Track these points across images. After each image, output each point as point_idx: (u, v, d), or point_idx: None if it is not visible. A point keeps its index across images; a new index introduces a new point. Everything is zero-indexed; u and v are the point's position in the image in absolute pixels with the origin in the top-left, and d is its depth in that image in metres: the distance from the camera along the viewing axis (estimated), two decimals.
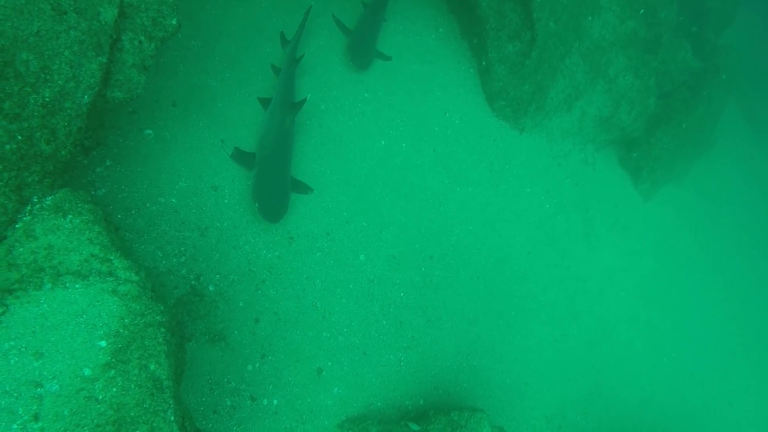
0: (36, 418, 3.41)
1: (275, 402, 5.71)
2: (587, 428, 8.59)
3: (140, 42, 4.57)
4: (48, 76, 3.93)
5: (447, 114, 9.13)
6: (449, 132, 9.04)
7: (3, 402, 3.37)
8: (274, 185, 6.22)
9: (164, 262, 5.55)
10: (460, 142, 9.11)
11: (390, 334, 7.03)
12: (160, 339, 3.80)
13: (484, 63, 9.65)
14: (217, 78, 6.83)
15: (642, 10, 10.99)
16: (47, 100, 3.95)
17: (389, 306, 7.16)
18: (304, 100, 6.72)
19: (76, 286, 3.74)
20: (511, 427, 7.60)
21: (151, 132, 5.98)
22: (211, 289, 5.76)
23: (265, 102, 6.84)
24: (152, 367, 3.71)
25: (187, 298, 5.49)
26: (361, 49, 8.23)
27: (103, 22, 4.18)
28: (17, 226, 3.98)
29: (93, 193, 5.25)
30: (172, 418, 3.64)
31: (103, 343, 3.66)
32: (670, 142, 12.11)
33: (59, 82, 4.00)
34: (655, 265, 11.84)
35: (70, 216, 4.07)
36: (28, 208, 4.06)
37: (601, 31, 10.64)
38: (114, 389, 3.58)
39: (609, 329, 10.02)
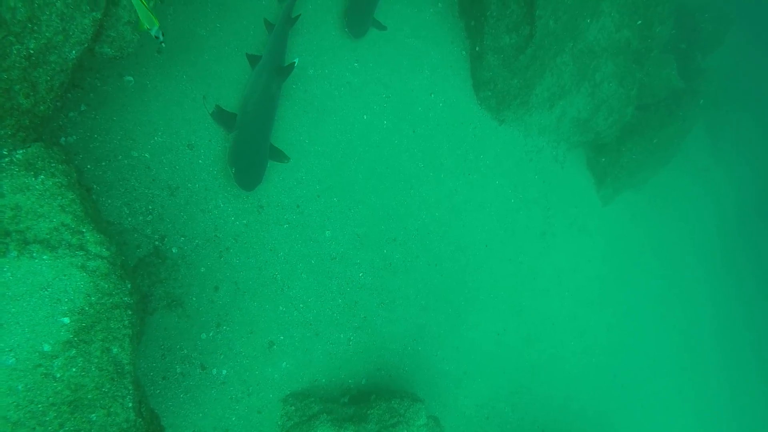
0: None
1: (224, 372, 5.74)
2: (512, 420, 9.02)
3: None
4: (35, 27, 3.65)
5: (432, 95, 9.02)
6: (431, 114, 8.95)
7: None
8: (252, 152, 6.04)
9: (130, 219, 5.39)
10: (441, 126, 9.05)
11: (343, 313, 7.11)
12: (126, 322, 3.73)
13: (477, 49, 9.50)
14: (207, 27, 6.50)
15: (639, 21, 10.98)
16: (31, 51, 3.69)
17: (347, 285, 7.21)
18: (293, 66, 6.49)
19: (44, 257, 3.59)
20: (443, 413, 7.90)
21: (131, 79, 5.68)
22: (174, 251, 5.65)
23: (253, 59, 6.56)
24: (115, 350, 3.65)
25: (149, 259, 5.37)
26: (359, 17, 7.95)
27: None
28: None
29: (64, 138, 4.98)
30: (130, 405, 3.63)
31: (66, 320, 3.57)
32: (638, 154, 12.36)
33: (47, 34, 3.73)
34: (601, 269, 12.26)
35: (42, 176, 3.87)
36: None
37: (597, 35, 10.60)
38: (74, 369, 3.52)
39: (548, 327, 10.41)
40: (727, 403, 17.37)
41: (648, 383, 13.19)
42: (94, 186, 5.17)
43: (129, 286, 3.85)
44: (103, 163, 5.28)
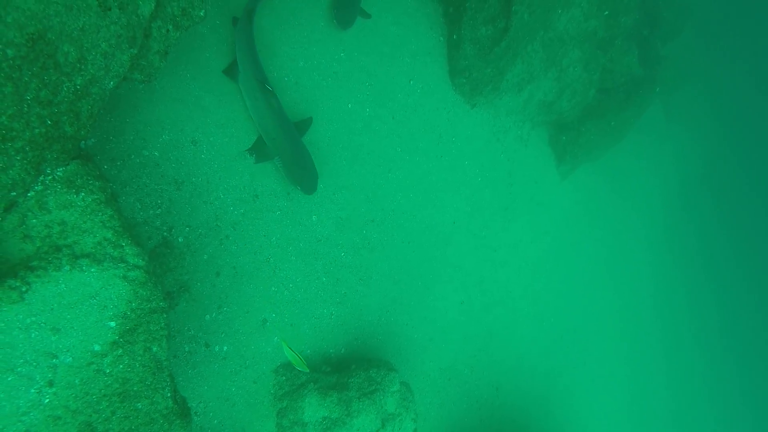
0: (50, 384, 3.97)
1: (225, 348, 6.45)
2: (471, 380, 10.08)
3: (167, 30, 4.70)
4: (82, 66, 4.10)
5: (411, 82, 9.56)
6: (410, 100, 9.52)
7: (24, 369, 3.88)
8: (302, 165, 6.88)
9: (142, 213, 5.92)
10: (418, 112, 9.64)
11: (327, 290, 7.84)
12: (162, 324, 4.38)
13: (455, 37, 10.01)
14: (208, 24, 6.85)
15: (607, 12, 11.63)
16: (78, 87, 4.14)
17: (330, 264, 7.92)
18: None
19: (92, 269, 4.17)
20: (412, 377, 8.84)
21: (140, 75, 6.06)
22: (180, 240, 6.22)
23: (231, 72, 6.77)
24: (155, 349, 4.31)
25: (160, 249, 5.94)
26: (346, 8, 8.32)
27: (141, 17, 4.30)
28: (29, 194, 4.27)
29: (83, 142, 5.43)
30: (169, 395, 4.32)
31: (113, 324, 4.19)
32: (596, 134, 13.25)
33: (91, 71, 4.17)
34: (554, 241, 13.31)
35: (83, 193, 4.40)
36: (41, 178, 4.33)
37: (567, 25, 11.21)
38: (121, 366, 4.18)
39: (505, 295, 11.43)
40: (659, 360, 19.18)
41: (590, 344, 14.55)
42: (111, 184, 5.66)
43: (161, 293, 4.48)
44: (118, 163, 5.75)
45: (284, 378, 6.86)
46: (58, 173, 4.40)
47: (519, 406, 11.03)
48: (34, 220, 4.23)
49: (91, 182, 4.48)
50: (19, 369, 3.86)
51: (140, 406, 4.23)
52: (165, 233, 6.11)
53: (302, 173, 6.88)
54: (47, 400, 3.95)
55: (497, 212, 11.53)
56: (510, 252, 11.78)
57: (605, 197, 15.77)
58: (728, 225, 26.35)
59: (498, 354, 10.97)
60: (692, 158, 21.31)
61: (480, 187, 11.04)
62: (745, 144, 27.75)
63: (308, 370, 6.42)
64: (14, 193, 4.10)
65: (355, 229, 8.37)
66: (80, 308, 4.12)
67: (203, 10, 4.94)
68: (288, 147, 6.72)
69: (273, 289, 7.10)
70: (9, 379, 3.81)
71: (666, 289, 19.96)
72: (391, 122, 9.13)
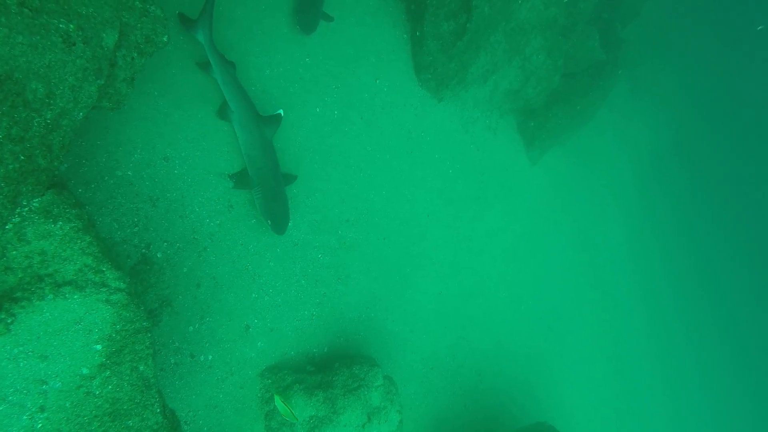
0: (42, 409, 4.14)
1: (210, 357, 6.64)
2: (453, 368, 10.38)
3: (132, 58, 4.83)
4: (51, 101, 4.22)
5: (377, 81, 9.74)
6: (377, 100, 9.70)
7: (15, 398, 4.05)
8: (279, 203, 7.10)
9: (119, 232, 6.06)
10: (385, 110, 9.83)
11: (306, 292, 8.05)
12: (147, 343, 4.55)
13: (418, 33, 10.19)
14: (172, 42, 6.94)
15: (566, 0, 11.87)
16: (48, 121, 4.27)
17: (308, 267, 8.12)
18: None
19: (75, 296, 4.33)
20: (394, 370, 9.10)
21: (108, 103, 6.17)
22: (159, 256, 6.37)
23: (224, 111, 7.07)
24: (141, 368, 4.49)
25: (139, 267, 6.09)
26: (309, 13, 8.44)
27: (105, 48, 4.43)
28: (7, 227, 4.40)
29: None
30: (158, 410, 4.51)
31: (99, 347, 4.36)
32: (564, 118, 13.56)
33: (60, 105, 4.30)
34: (527, 226, 13.62)
35: (60, 222, 4.54)
36: (17, 210, 4.46)
37: (527, 14, 11.44)
38: (109, 386, 4.36)
39: (482, 283, 11.73)
40: (643, 331, 19.68)
41: (571, 323, 14.95)
42: (87, 207, 5.78)
43: (145, 314, 4.65)
44: (92, 185, 5.87)
45: (270, 381, 7.07)
46: (34, 204, 4.53)
47: (502, 390, 11.38)
48: (14, 252, 4.36)
49: (67, 210, 4.61)
50: (10, 398, 4.02)
51: (131, 424, 4.42)
52: (144, 250, 6.25)
53: (277, 211, 7.09)
54: (40, 425, 4.12)
55: (470, 202, 11.79)
56: (485, 240, 12.07)
57: (576, 177, 16.14)
58: (702, 190, 26.98)
59: (478, 341, 11.27)
60: (661, 130, 21.81)
61: (452, 178, 11.28)
62: (712, 111, 28.40)
63: (297, 421, 6.69)
64: None
65: (331, 230, 8.57)
66: (66, 334, 4.28)
67: (166, 36, 5.07)
68: (270, 180, 6.96)
69: (254, 295, 7.29)
70: (1, 408, 3.97)
71: (644, 261, 20.45)
72: (360, 123, 9.31)
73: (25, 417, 4.08)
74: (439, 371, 10.06)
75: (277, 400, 5.99)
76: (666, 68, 20.67)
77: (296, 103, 8.34)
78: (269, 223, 7.05)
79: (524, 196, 13.65)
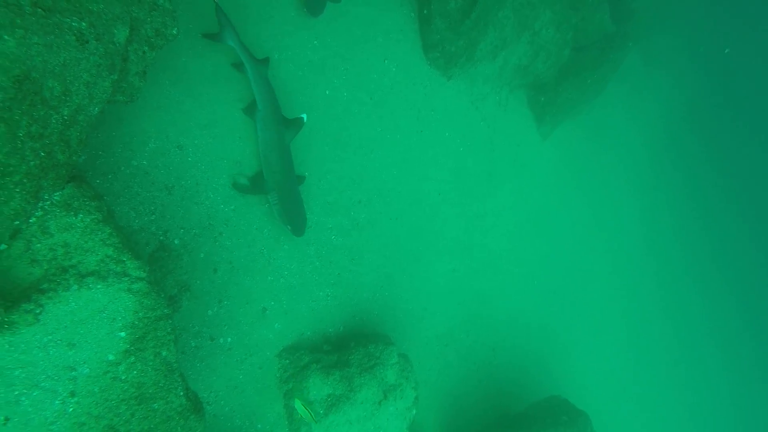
0: (72, 394, 4.33)
1: (229, 340, 6.83)
2: (467, 344, 10.55)
3: (144, 52, 4.91)
4: (68, 98, 4.34)
5: (386, 61, 9.74)
6: (386, 80, 9.72)
7: (47, 384, 4.23)
8: (297, 206, 7.27)
9: (137, 221, 6.21)
10: (394, 90, 9.85)
11: (321, 273, 8.20)
12: (169, 329, 4.72)
13: (425, 12, 10.15)
14: (181, 29, 6.99)
15: None
16: (65, 117, 4.39)
17: (322, 248, 8.26)
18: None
19: (98, 286, 4.49)
20: (410, 348, 9.28)
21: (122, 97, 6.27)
22: (176, 242, 6.53)
23: (250, 110, 7.20)
24: (164, 353, 4.67)
25: (158, 254, 6.25)
26: None
27: (117, 44, 4.51)
28: (31, 221, 4.56)
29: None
30: (181, 393, 4.70)
31: (123, 334, 4.53)
32: (574, 92, 13.48)
33: (76, 101, 4.41)
34: (540, 199, 13.66)
35: (81, 215, 4.68)
36: (39, 204, 4.61)
37: None
38: (134, 372, 4.54)
39: (494, 259, 11.84)
40: (655, 300, 19.69)
41: (584, 295, 15.06)
42: (105, 197, 5.93)
43: (165, 301, 4.81)
44: (110, 176, 6.01)
45: (288, 361, 7.26)
46: (55, 198, 4.67)
47: (516, 365, 11.55)
48: (38, 245, 4.52)
49: (87, 203, 4.75)
50: (42, 384, 4.20)
51: (156, 407, 4.61)
52: (161, 237, 6.41)
53: (295, 215, 7.26)
54: (71, 409, 4.31)
55: (481, 179, 11.84)
56: (496, 216, 12.14)
57: (588, 151, 16.08)
58: (714, 158, 26.67)
59: (492, 317, 11.42)
60: (673, 101, 21.55)
61: (462, 156, 11.32)
62: (725, 80, 27.94)
63: (316, 422, 6.87)
64: (17, 222, 4.38)
65: (343, 211, 8.68)
66: (91, 323, 4.44)
67: (175, 29, 5.14)
68: (285, 184, 7.12)
69: (269, 278, 7.45)
70: (35, 394, 4.16)
71: (657, 234, 20.40)
72: (369, 103, 9.35)
73: (57, 401, 4.27)
74: (453, 347, 10.24)
75: (298, 404, 6.27)
76: (678, 38, 20.36)
77: (305, 87, 8.39)
78: (289, 228, 7.21)
79: (535, 171, 13.66)
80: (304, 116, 7.49)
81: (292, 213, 7.20)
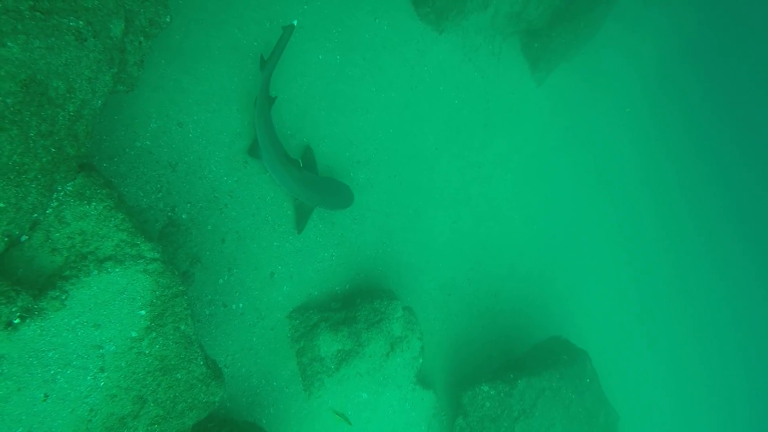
0: (102, 370, 4.72)
1: (241, 305, 7.22)
2: (470, 292, 10.96)
3: (139, 42, 5.07)
4: (72, 95, 4.55)
5: (377, 20, 9.78)
6: (377, 39, 9.77)
7: (79, 362, 4.62)
8: (336, 194, 8.06)
9: (145, 199, 6.49)
10: (387, 48, 9.91)
11: (324, 235, 8.52)
12: (185, 305, 5.07)
13: None
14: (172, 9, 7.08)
15: None
16: (71, 113, 4.61)
17: (324, 211, 8.54)
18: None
19: (116, 270, 4.82)
20: (414, 300, 9.68)
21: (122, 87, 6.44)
22: (184, 217, 6.83)
23: (254, 150, 7.46)
24: (182, 327, 5.04)
25: (167, 230, 6.56)
26: None
27: (114, 38, 4.68)
28: (47, 212, 4.85)
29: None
30: (201, 363, 5.10)
31: (143, 312, 4.89)
32: (568, 37, 13.41)
33: (80, 97, 4.62)
34: (536, 147, 13.81)
35: (94, 203, 4.96)
36: (54, 195, 4.89)
37: None
38: (157, 346, 4.92)
39: (494, 208, 12.12)
40: (658, 238, 20.00)
41: (585, 238, 15.39)
42: (113, 179, 6.20)
43: (180, 278, 5.14)
44: (116, 159, 6.26)
45: (298, 321, 7.67)
46: (68, 188, 4.94)
47: (518, 310, 11.99)
48: (57, 234, 4.82)
49: (98, 191, 5.02)
50: (74, 362, 4.59)
51: (180, 376, 5.02)
52: (169, 213, 6.70)
53: (340, 196, 8.04)
54: (102, 383, 4.72)
55: (477, 130, 11.99)
56: (494, 166, 12.35)
57: (583, 95, 16.09)
58: (711, 97, 26.51)
59: (493, 264, 11.79)
60: (667, 38, 21.30)
61: (458, 108, 11.45)
62: (723, 15, 27.43)
63: (352, 425, 7.62)
64: (35, 215, 4.67)
65: (342, 173, 8.92)
66: (113, 304, 4.79)
67: (168, 16, 5.28)
68: (317, 197, 7.72)
69: (275, 243, 7.77)
70: (68, 372, 4.56)
71: (656, 174, 20.53)
72: (362, 64, 9.45)
73: (89, 377, 4.67)
74: (456, 296, 10.65)
75: (330, 413, 7.18)
76: None
77: (298, 53, 8.50)
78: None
79: (531, 118, 13.76)
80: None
81: (337, 199, 8.07)
